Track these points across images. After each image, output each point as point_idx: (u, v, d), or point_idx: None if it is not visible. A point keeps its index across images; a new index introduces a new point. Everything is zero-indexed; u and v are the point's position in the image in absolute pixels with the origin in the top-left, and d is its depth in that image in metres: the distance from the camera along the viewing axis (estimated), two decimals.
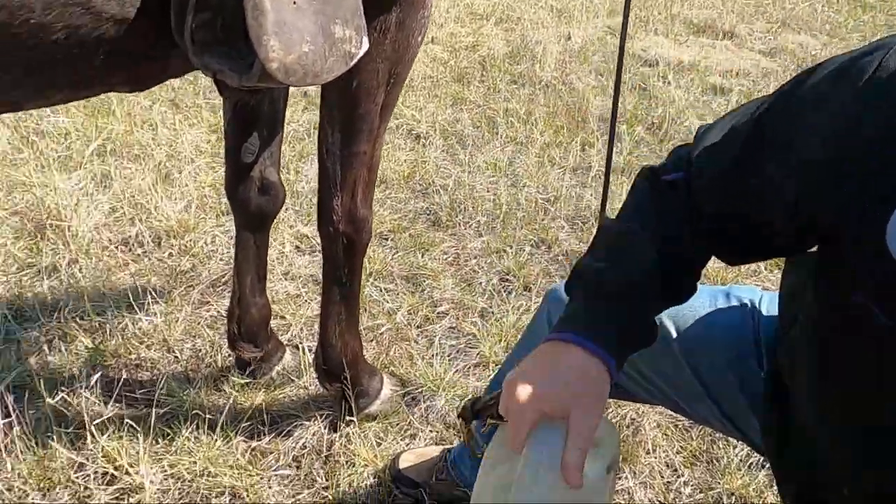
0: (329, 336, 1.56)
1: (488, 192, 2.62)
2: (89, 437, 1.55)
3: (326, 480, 1.55)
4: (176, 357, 1.86)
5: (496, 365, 1.82)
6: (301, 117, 3.06)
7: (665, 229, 0.86)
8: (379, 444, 1.62)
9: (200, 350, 1.89)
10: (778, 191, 0.75)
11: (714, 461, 1.56)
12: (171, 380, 1.76)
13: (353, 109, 1.28)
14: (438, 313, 2.03)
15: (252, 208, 1.56)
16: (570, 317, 0.81)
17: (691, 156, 0.88)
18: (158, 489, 1.52)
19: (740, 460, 1.55)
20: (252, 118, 1.48)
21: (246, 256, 1.63)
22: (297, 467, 1.60)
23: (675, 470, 1.55)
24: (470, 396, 0.90)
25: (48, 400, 1.65)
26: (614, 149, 2.97)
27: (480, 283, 2.15)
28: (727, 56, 4.17)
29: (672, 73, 3.77)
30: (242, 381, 1.75)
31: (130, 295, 2.01)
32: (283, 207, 2.46)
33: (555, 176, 2.74)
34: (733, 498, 1.46)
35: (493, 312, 2.02)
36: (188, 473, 1.54)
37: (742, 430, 1.04)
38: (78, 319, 1.94)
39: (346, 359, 1.57)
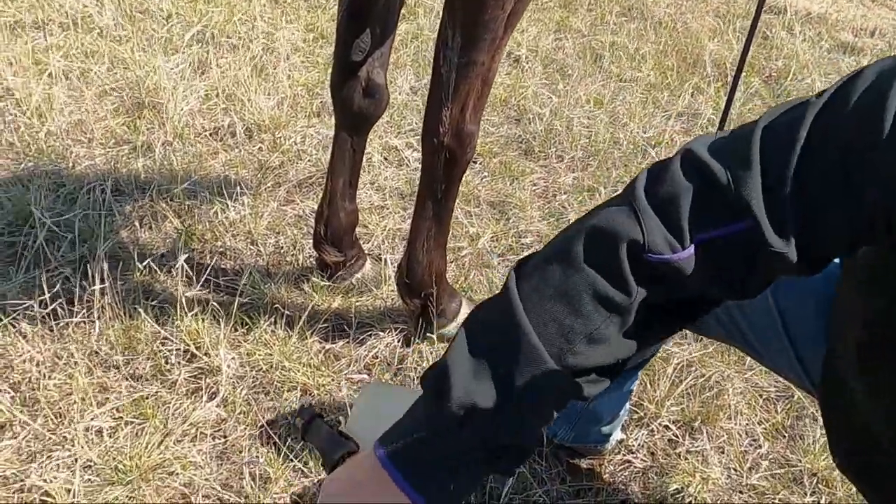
0: (416, 251, 1.53)
1: (586, 127, 2.50)
2: (174, 314, 1.58)
3: None
4: (259, 251, 1.88)
5: None
6: (398, 27, 2.96)
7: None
8: None
9: (283, 247, 1.90)
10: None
11: (798, 438, 1.49)
12: (254, 272, 1.77)
13: (479, 14, 1.19)
14: (522, 244, 1.98)
15: (354, 108, 1.51)
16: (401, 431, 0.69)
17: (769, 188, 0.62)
18: (234, 374, 1.55)
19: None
20: (367, 13, 1.41)
21: (341, 158, 1.59)
22: (368, 374, 1.60)
23: (755, 440, 1.49)
24: (303, 408, 0.88)
25: (139, 273, 1.70)
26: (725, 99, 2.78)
27: (569, 219, 2.07)
28: (862, 12, 3.80)
29: (799, 23, 3.47)
30: (322, 284, 1.75)
31: (220, 184, 2.02)
32: None
33: (659, 119, 2.58)
34: (815, 479, 1.40)
35: None
36: (263, 364, 1.57)
37: (812, 377, 0.97)
38: (169, 200, 1.97)
39: (430, 276, 1.54)
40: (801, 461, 1.43)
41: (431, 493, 0.65)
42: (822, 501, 1.37)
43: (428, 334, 1.60)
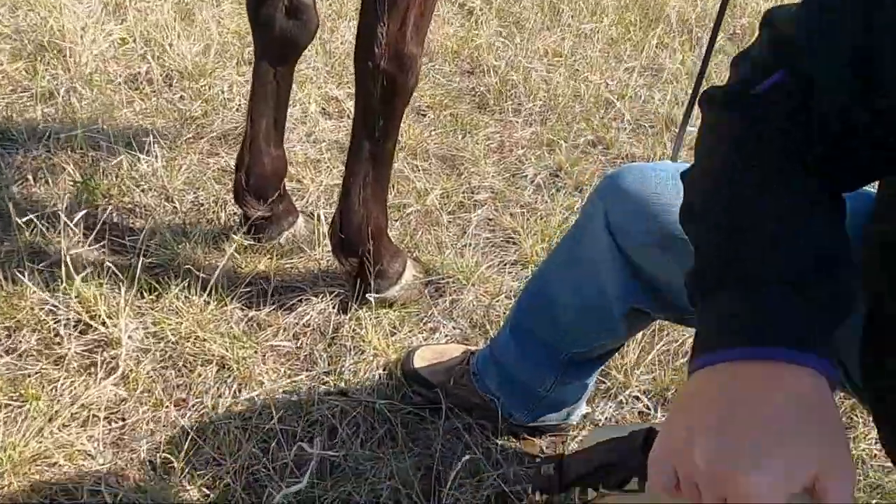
0: (351, 200, 1.32)
1: (544, 80, 2.31)
2: (65, 279, 1.34)
3: (329, 365, 1.35)
4: (175, 207, 1.64)
5: (535, 268, 1.58)
6: None
7: (798, 172, 0.57)
8: (393, 334, 1.41)
9: (203, 204, 1.66)
10: None
11: None
12: (166, 230, 1.54)
13: None
14: (475, 202, 1.78)
15: (276, 32, 1.29)
16: (727, 319, 0.52)
17: (788, 41, 0.59)
18: (138, 347, 1.32)
19: None
20: None
21: (263, 94, 1.37)
22: (297, 346, 1.39)
23: None
24: (542, 456, 0.62)
25: (26, 233, 1.44)
26: (691, 54, 2.63)
27: (526, 175, 1.89)
28: None
29: None
30: (246, 243, 1.53)
31: (132, 134, 1.77)
32: (314, 67, 2.19)
33: (622, 72, 2.41)
34: None
35: (537, 209, 1.76)
36: (173, 335, 1.34)
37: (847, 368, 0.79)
38: (69, 151, 1.71)
39: (367, 230, 1.34)
40: None
41: (807, 343, 0.49)
42: None
43: (367, 298, 1.40)
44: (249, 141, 1.41)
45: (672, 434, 0.50)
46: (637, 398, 1.33)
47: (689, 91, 1.66)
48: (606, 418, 1.30)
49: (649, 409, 1.31)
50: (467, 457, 1.19)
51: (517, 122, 2.11)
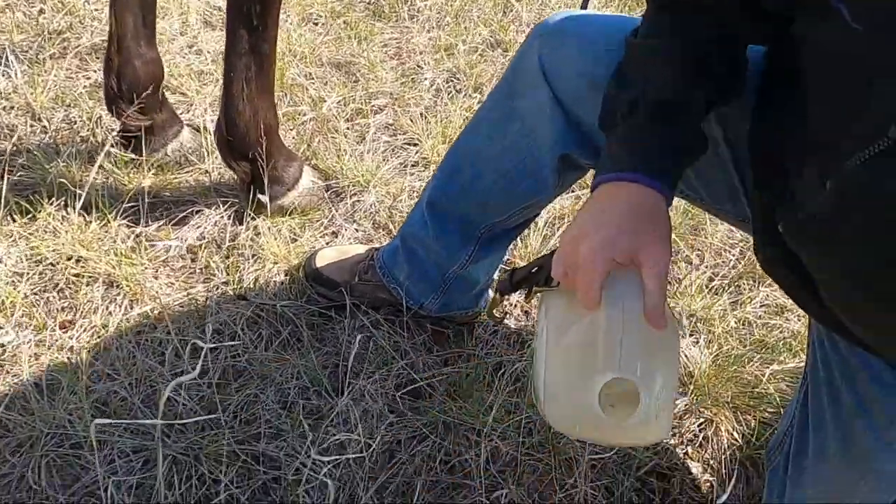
0: (234, 99, 1.24)
1: None
2: None
3: (227, 276, 1.29)
4: (44, 127, 1.50)
5: (437, 166, 1.55)
6: None
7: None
8: (294, 241, 1.37)
9: (75, 122, 1.53)
10: None
11: (673, 281, 1.39)
12: (35, 150, 1.41)
13: None
14: (374, 107, 1.72)
15: None
16: (610, 158, 0.74)
17: None
18: (12, 271, 1.22)
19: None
20: None
21: None
22: (192, 259, 1.33)
23: None
24: (504, 268, 0.90)
25: None
26: None
27: (425, 79, 1.83)
28: None
29: None
30: (128, 158, 1.42)
31: None
32: None
33: None
34: (692, 319, 1.31)
35: (437, 111, 1.72)
36: (52, 257, 1.25)
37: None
38: None
39: (256, 130, 1.27)
40: (676, 303, 1.34)
41: (654, 172, 0.71)
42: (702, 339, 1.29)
43: (263, 205, 1.34)
44: (117, 42, 1.29)
45: (562, 237, 0.72)
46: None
47: None
48: (512, 304, 1.31)
49: None
50: (375, 349, 1.18)
51: (413, 27, 2.04)
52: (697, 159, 0.76)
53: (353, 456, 1.03)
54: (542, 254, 0.79)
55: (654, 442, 1.05)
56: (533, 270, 0.79)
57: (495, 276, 1.22)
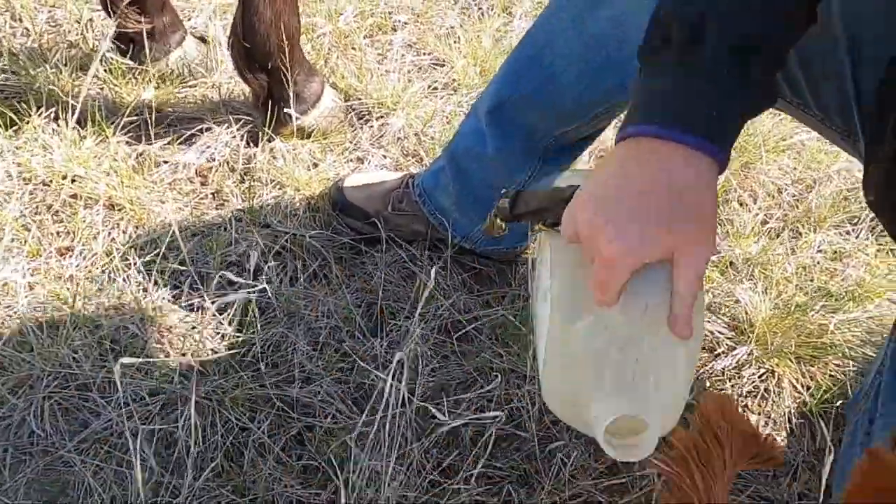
0: (254, 1, 1.08)
1: None
2: None
3: (243, 201, 1.16)
4: (26, 29, 1.32)
5: (469, 91, 1.41)
6: None
7: None
8: (315, 166, 1.23)
9: (62, 24, 1.35)
10: None
11: (725, 223, 1.29)
12: (19, 54, 1.24)
13: None
14: (395, 23, 1.56)
15: None
16: (649, 103, 0.55)
17: None
18: None
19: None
20: None
21: None
22: (203, 184, 1.19)
23: None
24: (505, 191, 0.67)
25: None
26: None
27: None
28: None
29: None
30: (125, 66, 1.26)
31: None
32: None
33: None
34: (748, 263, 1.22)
35: (466, 31, 1.57)
36: (44, 174, 1.10)
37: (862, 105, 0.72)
38: None
39: (277, 39, 1.11)
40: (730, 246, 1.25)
41: (711, 132, 0.52)
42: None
43: (282, 124, 1.20)
44: None
45: (578, 196, 0.55)
46: None
47: None
48: None
49: None
50: (412, 287, 1.07)
51: None
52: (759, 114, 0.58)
53: (395, 411, 0.93)
54: (553, 187, 0.62)
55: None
56: (537, 208, 0.63)
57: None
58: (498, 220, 0.68)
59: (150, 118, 1.18)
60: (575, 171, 0.80)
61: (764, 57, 0.55)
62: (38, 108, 1.16)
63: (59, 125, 1.15)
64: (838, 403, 1.03)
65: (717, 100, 0.53)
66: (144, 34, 1.21)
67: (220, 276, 0.92)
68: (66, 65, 1.24)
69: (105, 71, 1.24)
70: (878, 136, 0.64)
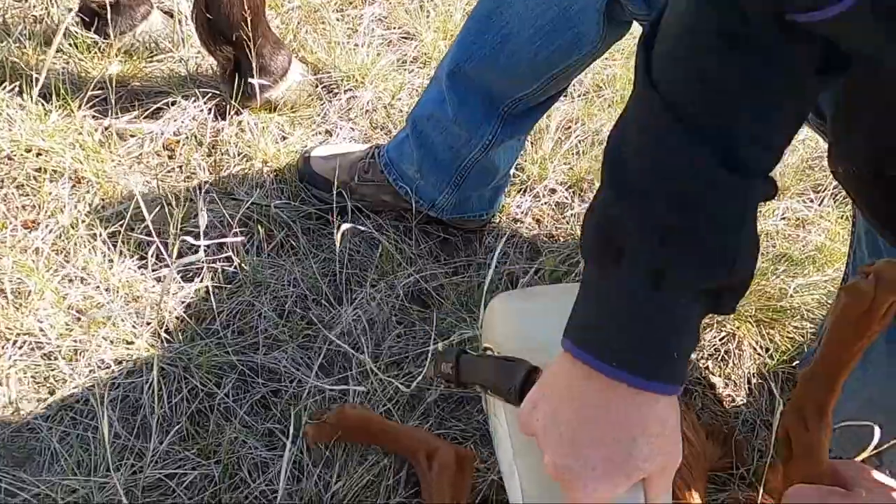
0: None
1: None
2: None
3: (210, 174, 1.17)
4: None
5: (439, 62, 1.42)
6: None
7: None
8: (284, 139, 1.24)
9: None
10: None
11: None
12: None
13: None
14: None
15: None
16: (600, 330, 0.49)
17: None
18: None
19: None
20: None
21: None
22: (170, 157, 1.19)
23: None
24: (441, 352, 0.64)
25: None
26: None
27: None
28: None
29: None
30: (90, 40, 1.25)
31: None
32: None
33: None
34: None
35: (436, 4, 1.57)
36: (9, 147, 1.10)
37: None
38: None
39: (240, 10, 1.11)
40: None
41: (668, 375, 0.49)
42: None
43: (248, 97, 1.20)
44: None
45: (531, 413, 0.51)
46: (553, 191, 1.25)
47: None
48: (523, 211, 1.22)
49: (567, 200, 1.24)
50: (377, 256, 1.08)
51: None
52: None
53: (358, 370, 0.94)
54: (499, 354, 0.58)
55: None
56: (484, 382, 0.57)
57: (510, 173, 1.11)
58: (434, 371, 0.61)
59: (114, 93, 1.18)
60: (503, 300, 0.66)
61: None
62: (2, 82, 1.15)
63: (23, 99, 1.15)
64: (795, 364, 1.06)
65: (681, 331, 0.49)
66: (108, 7, 1.21)
67: (182, 241, 0.93)
68: (30, 39, 1.23)
69: (70, 45, 1.24)
70: (843, 114, 0.65)
